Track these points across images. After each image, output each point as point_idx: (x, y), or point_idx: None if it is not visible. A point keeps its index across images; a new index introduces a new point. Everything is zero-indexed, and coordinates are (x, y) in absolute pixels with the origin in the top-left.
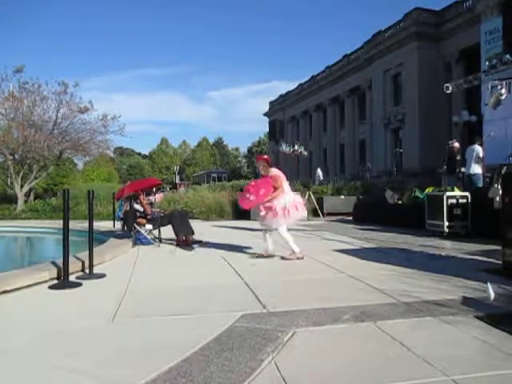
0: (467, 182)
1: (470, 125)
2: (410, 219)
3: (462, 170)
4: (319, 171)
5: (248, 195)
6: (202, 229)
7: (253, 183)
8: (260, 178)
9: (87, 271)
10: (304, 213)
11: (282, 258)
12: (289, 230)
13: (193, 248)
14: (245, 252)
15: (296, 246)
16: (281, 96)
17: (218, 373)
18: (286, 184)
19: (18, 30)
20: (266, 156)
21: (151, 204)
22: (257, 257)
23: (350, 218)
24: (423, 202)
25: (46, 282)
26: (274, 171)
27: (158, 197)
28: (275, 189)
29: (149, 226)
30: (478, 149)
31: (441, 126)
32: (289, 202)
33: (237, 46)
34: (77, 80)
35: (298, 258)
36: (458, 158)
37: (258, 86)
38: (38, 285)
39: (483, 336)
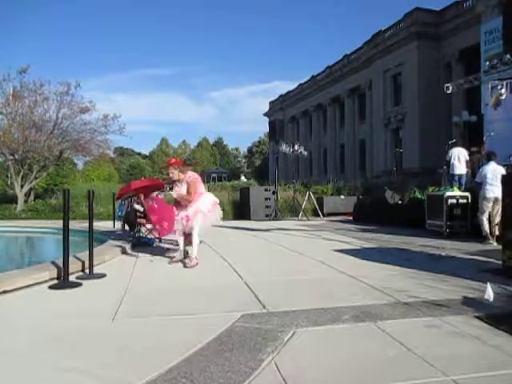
0: (454, 182)
1: (470, 125)
2: (409, 219)
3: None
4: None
5: (154, 225)
6: None
7: (153, 207)
8: (175, 185)
9: (87, 271)
10: (218, 215)
11: (184, 265)
12: (289, 230)
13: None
14: (245, 252)
15: (196, 252)
16: (281, 96)
17: (218, 373)
18: (202, 188)
19: (19, 30)
20: (173, 159)
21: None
22: (175, 262)
23: (350, 218)
24: (423, 201)
25: (46, 281)
26: (191, 175)
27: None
28: (190, 195)
29: (149, 226)
30: (464, 151)
31: (441, 126)
32: (208, 203)
33: (237, 45)
34: (78, 80)
35: (196, 264)
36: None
37: (258, 86)
38: (38, 285)
39: (483, 336)
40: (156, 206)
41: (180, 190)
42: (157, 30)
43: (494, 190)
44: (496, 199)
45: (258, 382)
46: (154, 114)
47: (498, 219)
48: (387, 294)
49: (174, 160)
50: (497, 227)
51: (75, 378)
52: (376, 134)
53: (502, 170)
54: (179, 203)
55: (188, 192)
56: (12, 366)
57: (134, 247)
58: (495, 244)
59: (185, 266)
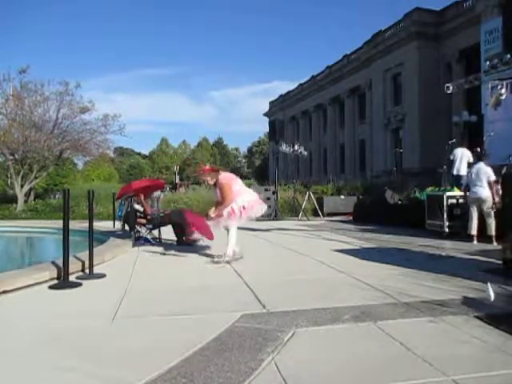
0: (454, 182)
1: (470, 125)
2: (409, 219)
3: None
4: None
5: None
6: None
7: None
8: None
9: (87, 271)
10: (261, 209)
11: (213, 261)
12: (289, 229)
13: (193, 248)
14: (245, 252)
15: (232, 252)
16: (281, 96)
17: (217, 373)
18: (238, 185)
19: (19, 30)
20: (207, 166)
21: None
22: (217, 262)
23: (350, 218)
24: (423, 201)
25: (46, 281)
26: (223, 178)
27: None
28: (223, 199)
29: (149, 226)
30: (468, 152)
31: (441, 126)
32: (245, 201)
33: (237, 45)
34: (78, 81)
35: (227, 262)
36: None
37: (258, 86)
38: (38, 285)
39: (483, 336)
40: (191, 218)
41: (216, 194)
42: (157, 30)
43: (475, 191)
44: (478, 200)
45: (257, 381)
46: (154, 114)
47: (490, 220)
48: (387, 294)
49: (206, 168)
50: (491, 227)
51: (75, 378)
52: (376, 134)
53: (485, 170)
54: (219, 204)
55: (221, 195)
56: (12, 366)
57: (133, 247)
58: (475, 243)
59: (213, 262)
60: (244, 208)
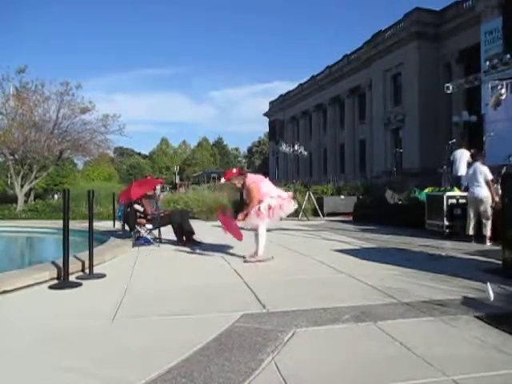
0: (454, 183)
1: (470, 125)
2: (409, 219)
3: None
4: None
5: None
6: (201, 229)
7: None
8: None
9: (87, 271)
10: (290, 209)
11: (245, 260)
12: (289, 229)
13: (193, 248)
14: (245, 252)
15: (263, 251)
16: (281, 96)
17: (217, 373)
18: (266, 185)
19: (19, 30)
20: (234, 170)
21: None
22: (247, 261)
23: (350, 218)
24: (423, 202)
25: (46, 281)
26: (250, 180)
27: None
28: (250, 201)
29: (149, 226)
30: (467, 153)
31: (441, 126)
32: (273, 201)
33: (237, 45)
34: (79, 81)
35: (259, 261)
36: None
37: (258, 86)
38: (38, 285)
39: (483, 336)
40: (225, 219)
41: (244, 196)
42: (157, 30)
43: (472, 191)
44: (475, 199)
45: (257, 381)
46: (154, 114)
47: (485, 220)
48: (387, 294)
49: (234, 171)
50: (486, 227)
51: (75, 378)
52: (376, 134)
53: (481, 170)
54: (247, 206)
55: (248, 197)
56: (12, 366)
57: (133, 247)
58: (474, 243)
59: (245, 261)
60: (271, 208)
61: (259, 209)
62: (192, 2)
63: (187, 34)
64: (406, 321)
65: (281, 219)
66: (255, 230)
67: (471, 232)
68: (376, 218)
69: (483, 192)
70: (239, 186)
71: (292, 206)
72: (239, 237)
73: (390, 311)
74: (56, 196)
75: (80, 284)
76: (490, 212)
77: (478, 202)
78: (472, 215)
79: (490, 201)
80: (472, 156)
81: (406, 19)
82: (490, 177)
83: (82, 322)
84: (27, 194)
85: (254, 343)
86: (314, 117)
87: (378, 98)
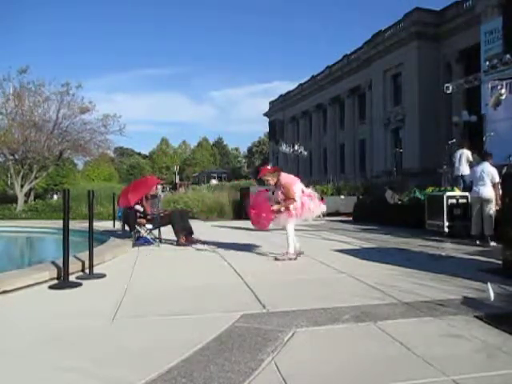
0: (454, 183)
1: (470, 125)
2: (409, 219)
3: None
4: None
5: (257, 218)
6: (201, 229)
7: (256, 200)
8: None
9: (87, 271)
10: (319, 211)
11: (276, 258)
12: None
13: (193, 248)
14: (245, 252)
15: (293, 248)
16: (281, 96)
17: (217, 373)
18: (298, 188)
19: (19, 30)
20: (269, 167)
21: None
22: (279, 259)
23: (350, 218)
24: (423, 202)
25: (46, 281)
26: (285, 178)
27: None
28: (286, 198)
29: (149, 226)
30: (468, 152)
31: (441, 126)
32: (304, 203)
33: (237, 45)
34: (79, 81)
35: (290, 259)
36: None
37: (258, 86)
38: (38, 285)
39: (483, 336)
40: (255, 200)
41: (277, 193)
42: (157, 30)
43: (476, 190)
44: (479, 199)
45: (257, 381)
46: (154, 114)
47: (488, 220)
48: (387, 294)
49: (268, 168)
50: (488, 227)
51: (75, 378)
52: (376, 134)
53: (489, 170)
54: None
55: (285, 194)
56: (12, 366)
57: (133, 247)
58: (477, 242)
59: (276, 259)
60: (301, 209)
61: (289, 208)
62: (192, 2)
63: (187, 34)
64: (406, 321)
65: (307, 220)
66: (284, 228)
67: (474, 232)
68: (376, 218)
69: (487, 191)
70: (272, 183)
71: (321, 209)
72: (263, 226)
73: (390, 311)
74: (56, 196)
75: (80, 284)
76: (493, 212)
77: (483, 201)
78: (476, 215)
79: (493, 201)
80: (479, 155)
81: (405, 19)
82: (497, 179)
83: (81, 322)
84: (27, 194)
85: (254, 343)
86: (313, 117)
87: (378, 97)
